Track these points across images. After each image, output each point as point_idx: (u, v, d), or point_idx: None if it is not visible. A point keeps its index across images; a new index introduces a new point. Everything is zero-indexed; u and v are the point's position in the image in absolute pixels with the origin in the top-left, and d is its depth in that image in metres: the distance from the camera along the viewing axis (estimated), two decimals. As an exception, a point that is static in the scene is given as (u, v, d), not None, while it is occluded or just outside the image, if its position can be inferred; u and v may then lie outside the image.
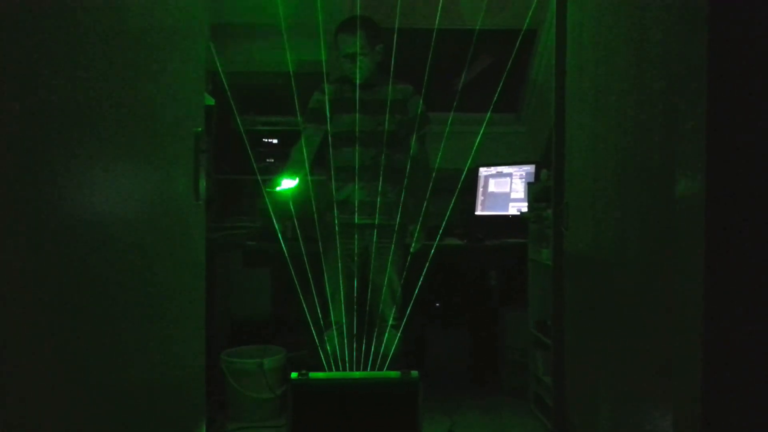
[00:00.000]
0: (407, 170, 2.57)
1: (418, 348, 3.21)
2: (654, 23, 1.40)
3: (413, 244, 2.61)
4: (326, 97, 2.56)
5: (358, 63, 2.53)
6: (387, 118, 2.57)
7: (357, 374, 2.03)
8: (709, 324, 1.13)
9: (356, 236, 2.56)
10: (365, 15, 2.62)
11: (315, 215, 2.58)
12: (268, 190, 2.48)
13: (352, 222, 2.55)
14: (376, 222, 2.54)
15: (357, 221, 2.55)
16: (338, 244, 2.54)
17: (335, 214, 2.57)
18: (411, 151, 2.65)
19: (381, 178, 2.53)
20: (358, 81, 2.55)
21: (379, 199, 2.53)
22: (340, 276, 2.53)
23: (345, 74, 2.60)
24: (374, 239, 2.58)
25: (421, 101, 2.65)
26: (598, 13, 1.78)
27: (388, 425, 1.93)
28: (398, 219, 2.56)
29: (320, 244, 2.52)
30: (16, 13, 0.72)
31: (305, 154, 2.59)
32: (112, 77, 0.99)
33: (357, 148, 2.55)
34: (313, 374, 1.92)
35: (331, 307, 2.56)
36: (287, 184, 2.54)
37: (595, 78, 1.79)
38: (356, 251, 2.56)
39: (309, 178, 2.62)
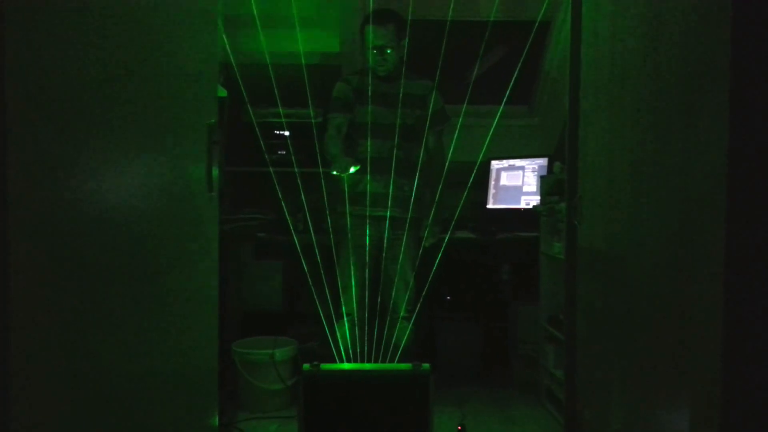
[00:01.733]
0: (422, 164, 2.58)
1: (429, 341, 3.21)
2: (672, 15, 1.37)
3: (426, 239, 2.62)
4: (352, 86, 2.57)
5: (385, 55, 2.55)
6: (407, 112, 2.58)
7: (368, 366, 2.03)
8: (728, 320, 1.12)
9: (368, 228, 2.56)
10: (392, 9, 2.62)
11: (327, 207, 2.58)
12: (334, 173, 2.45)
13: (367, 214, 2.55)
14: (390, 214, 2.55)
15: (369, 213, 2.55)
16: (351, 236, 2.54)
17: (347, 208, 2.57)
18: (428, 145, 2.67)
19: (396, 172, 2.53)
20: (382, 74, 2.57)
21: (394, 192, 2.53)
22: (353, 267, 2.53)
23: (370, 66, 2.61)
24: (387, 231, 2.58)
25: (440, 97, 2.67)
26: (613, 5, 1.76)
27: (399, 417, 1.93)
28: (411, 212, 2.56)
29: (332, 236, 2.53)
30: (31, 4, 0.72)
31: (332, 136, 2.56)
32: (124, 69, 0.99)
33: (374, 140, 2.56)
34: (324, 366, 1.93)
35: (342, 299, 2.57)
36: (352, 169, 2.48)
37: (611, 71, 1.77)
38: (369, 243, 2.57)
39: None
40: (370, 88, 2.58)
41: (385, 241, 2.59)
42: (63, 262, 0.81)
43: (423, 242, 2.63)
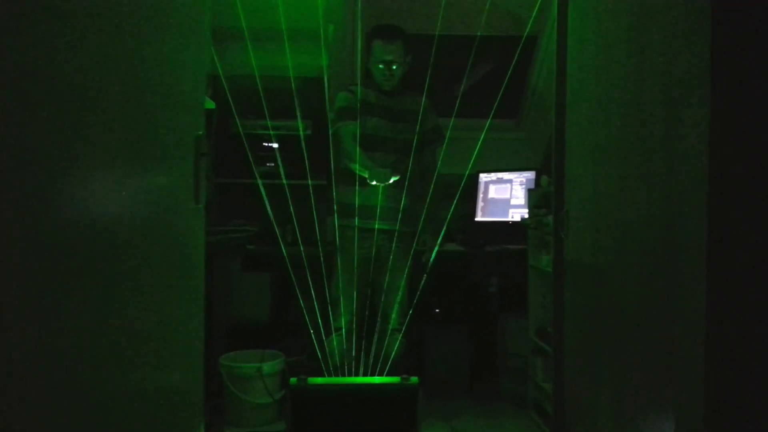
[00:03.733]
0: (414, 179, 2.61)
1: (418, 353, 3.20)
2: (656, 29, 1.40)
3: (425, 253, 2.64)
4: (353, 95, 2.58)
5: (392, 70, 2.58)
6: (408, 128, 2.62)
7: (356, 380, 2.02)
8: (712, 330, 1.13)
9: (364, 241, 2.56)
10: (397, 25, 2.67)
11: (315, 219, 2.58)
12: (373, 183, 2.45)
13: (362, 226, 2.55)
14: (386, 227, 2.56)
15: (366, 225, 2.55)
16: (351, 248, 2.54)
17: (336, 220, 2.57)
18: (425, 161, 2.71)
19: (397, 184, 2.53)
20: (387, 88, 2.60)
21: (392, 204, 2.54)
22: (345, 280, 2.52)
23: (376, 80, 2.63)
24: (376, 243, 2.58)
25: (435, 112, 2.73)
26: (598, 19, 1.78)
27: (388, 430, 1.92)
28: (401, 225, 2.57)
29: (320, 248, 2.52)
30: (13, 14, 0.72)
31: (354, 148, 2.55)
32: (110, 80, 0.99)
33: (377, 153, 2.58)
34: (312, 379, 1.91)
35: (332, 314, 2.56)
36: (392, 179, 2.48)
37: (596, 84, 1.79)
38: (364, 256, 2.56)
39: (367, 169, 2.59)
40: (372, 100, 2.61)
41: (374, 253, 2.59)
42: (43, 275, 0.80)
43: (422, 257, 2.65)
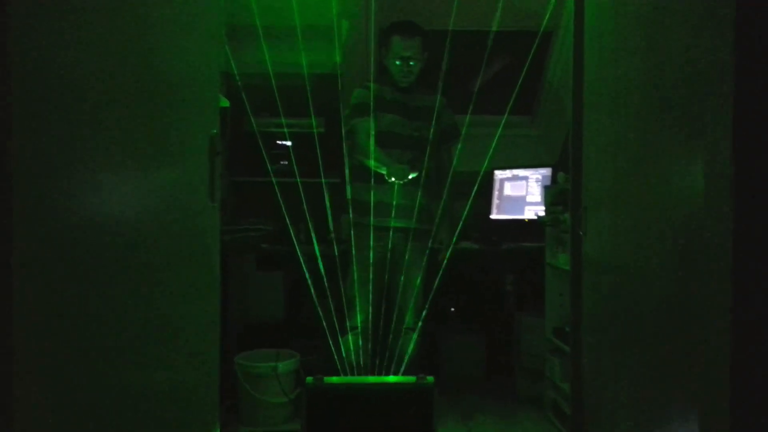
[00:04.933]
0: (432, 177, 2.59)
1: (433, 353, 3.18)
2: (676, 24, 1.36)
3: (441, 251, 2.61)
4: (369, 92, 2.56)
5: (410, 67, 2.56)
6: (424, 125, 2.60)
7: (372, 379, 2.00)
8: (737, 330, 1.10)
9: (381, 239, 2.54)
10: (414, 21, 2.64)
11: (329, 217, 2.57)
12: (392, 179, 2.43)
13: (377, 224, 2.53)
14: (402, 225, 2.54)
15: (373, 222, 2.53)
16: (366, 247, 2.53)
17: (351, 218, 2.56)
18: (441, 159, 2.69)
19: (413, 183, 2.52)
20: (404, 85, 2.58)
21: (409, 203, 2.52)
22: (362, 280, 2.51)
23: (394, 76, 2.61)
24: (397, 242, 2.56)
25: (452, 113, 2.71)
26: (617, 15, 1.75)
27: (403, 430, 1.90)
28: (418, 223, 2.55)
29: (335, 246, 2.51)
30: (29, 12, 0.71)
31: (367, 144, 2.53)
32: (125, 79, 0.98)
33: (393, 150, 2.56)
34: (327, 379, 1.90)
35: (348, 313, 2.55)
36: (411, 176, 2.47)
37: (615, 80, 1.76)
38: (382, 254, 2.54)
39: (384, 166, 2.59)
40: (388, 96, 2.59)
41: (388, 251, 2.57)
42: (59, 272, 0.79)
43: (438, 256, 2.63)
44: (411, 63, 2.56)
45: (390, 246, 2.57)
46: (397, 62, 2.56)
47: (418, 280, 2.56)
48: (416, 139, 2.58)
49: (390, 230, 2.54)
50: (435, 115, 2.61)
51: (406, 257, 2.53)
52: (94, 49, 0.87)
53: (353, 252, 2.56)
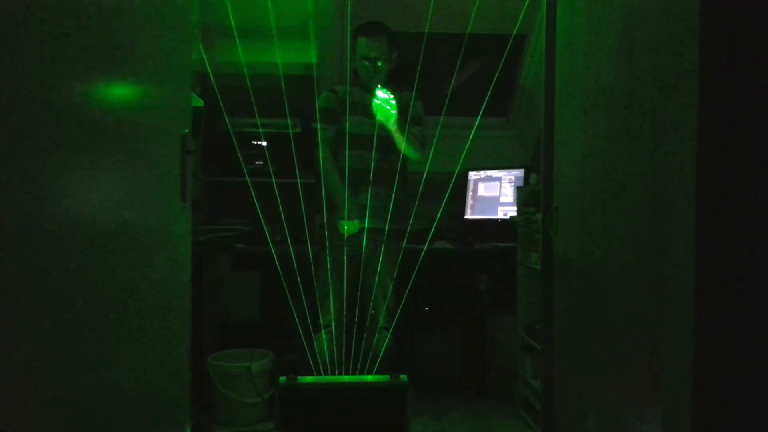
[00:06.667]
0: (404, 177, 2.59)
1: (408, 352, 3.20)
2: (645, 29, 1.40)
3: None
4: (339, 96, 2.57)
5: (377, 67, 2.56)
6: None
7: (346, 378, 2.02)
8: (700, 327, 1.13)
9: (345, 239, 2.55)
10: (381, 21, 2.64)
11: (304, 217, 2.57)
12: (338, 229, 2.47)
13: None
14: (370, 225, 2.54)
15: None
16: (339, 246, 2.53)
17: (325, 219, 2.56)
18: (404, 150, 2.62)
19: (378, 182, 2.52)
20: (373, 85, 2.58)
21: (374, 202, 2.52)
22: (329, 278, 2.52)
23: (362, 77, 2.61)
24: (364, 241, 2.57)
25: (420, 104, 2.69)
26: (587, 18, 1.79)
27: (377, 429, 1.91)
28: (390, 223, 2.56)
29: (309, 246, 2.51)
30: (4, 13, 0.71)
31: (326, 158, 2.56)
32: (95, 77, 0.98)
33: (358, 151, 2.56)
34: (301, 378, 1.90)
35: (320, 311, 2.55)
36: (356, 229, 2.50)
37: (585, 83, 1.80)
38: (349, 253, 2.55)
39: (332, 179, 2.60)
40: (356, 99, 2.59)
41: (362, 253, 2.58)
42: (27, 275, 0.79)
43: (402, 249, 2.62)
44: (378, 63, 2.57)
45: (363, 246, 2.58)
46: (365, 63, 2.57)
47: (392, 280, 2.58)
48: (383, 139, 2.57)
49: (363, 230, 2.55)
50: (404, 109, 2.59)
51: (380, 257, 2.55)
52: (59, 46, 0.86)
53: (326, 251, 2.57)
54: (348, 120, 2.58)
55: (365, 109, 2.60)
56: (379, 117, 2.44)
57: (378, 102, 2.42)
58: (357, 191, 2.55)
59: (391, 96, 2.42)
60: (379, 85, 2.45)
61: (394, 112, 2.43)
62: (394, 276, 2.58)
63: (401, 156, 2.62)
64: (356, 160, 2.56)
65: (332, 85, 2.68)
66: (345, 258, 2.53)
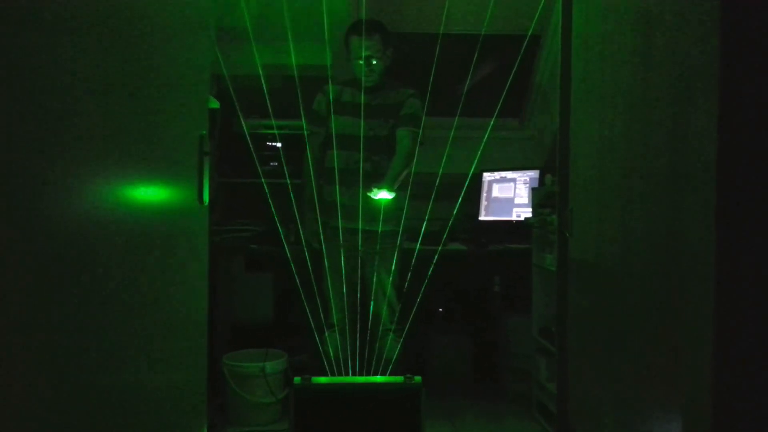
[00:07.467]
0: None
1: (421, 353, 3.20)
2: (661, 28, 1.39)
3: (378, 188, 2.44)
4: (326, 97, 2.57)
5: (372, 66, 2.54)
6: (380, 123, 2.56)
7: (360, 379, 2.02)
8: (720, 331, 1.12)
9: (341, 239, 2.53)
10: (375, 19, 2.63)
11: (318, 218, 2.57)
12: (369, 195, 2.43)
13: (345, 226, 2.52)
14: (362, 227, 2.49)
15: (343, 225, 2.51)
16: (336, 247, 2.53)
17: (318, 218, 2.56)
18: (400, 143, 2.57)
19: (365, 184, 2.48)
20: (369, 84, 2.56)
21: (363, 205, 2.48)
22: (329, 278, 2.51)
23: (355, 77, 2.60)
24: (361, 245, 2.55)
25: (417, 102, 2.60)
26: (603, 19, 1.77)
27: (391, 431, 1.91)
28: (382, 225, 2.53)
29: (305, 246, 2.51)
30: (18, 12, 0.72)
31: (312, 161, 2.57)
32: (114, 79, 0.98)
33: (344, 151, 2.54)
34: (315, 379, 1.91)
35: (330, 307, 2.55)
36: (384, 195, 2.43)
37: (601, 83, 1.78)
38: (345, 254, 2.54)
39: (313, 182, 2.62)
40: (348, 98, 2.58)
41: (359, 255, 2.56)
42: (46, 275, 0.79)
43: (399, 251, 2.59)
44: (373, 62, 2.53)
45: (359, 248, 2.55)
46: (359, 62, 2.54)
47: (389, 282, 2.55)
48: (369, 139, 2.53)
49: (358, 232, 2.51)
50: (397, 108, 2.56)
51: (376, 260, 2.53)
52: (77, 50, 0.87)
53: (324, 252, 2.56)
54: (334, 120, 2.57)
55: (353, 108, 2.56)
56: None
57: (376, 198, 2.42)
58: (352, 194, 2.51)
59: (387, 194, 2.41)
60: (374, 188, 2.40)
61: (390, 197, 2.42)
62: (392, 272, 2.55)
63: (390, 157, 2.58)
64: (344, 160, 2.53)
65: (325, 86, 2.65)
66: (342, 259, 2.51)
